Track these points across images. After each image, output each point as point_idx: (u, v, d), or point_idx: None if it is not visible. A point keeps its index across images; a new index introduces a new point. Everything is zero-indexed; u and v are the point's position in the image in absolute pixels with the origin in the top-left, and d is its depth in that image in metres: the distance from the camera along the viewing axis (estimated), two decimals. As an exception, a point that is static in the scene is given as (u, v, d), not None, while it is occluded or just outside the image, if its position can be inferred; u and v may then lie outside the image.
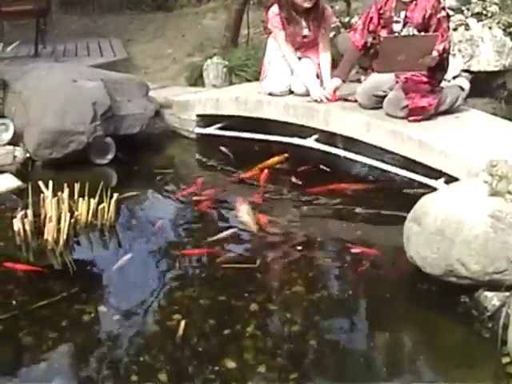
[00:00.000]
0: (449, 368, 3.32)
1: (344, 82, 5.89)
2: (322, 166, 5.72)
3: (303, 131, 5.88)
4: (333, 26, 7.01)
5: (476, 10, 6.90)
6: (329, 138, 5.81)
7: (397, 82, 5.47)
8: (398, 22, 5.44)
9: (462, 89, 5.67)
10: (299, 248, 4.43)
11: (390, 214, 4.84)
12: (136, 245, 4.53)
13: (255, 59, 7.60)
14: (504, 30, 6.74)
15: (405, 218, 4.04)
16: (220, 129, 6.51)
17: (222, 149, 6.20)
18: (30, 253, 4.38)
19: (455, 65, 6.49)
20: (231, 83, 7.56)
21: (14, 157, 5.76)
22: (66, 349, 3.40)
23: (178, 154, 6.60)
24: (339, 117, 5.62)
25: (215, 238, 4.50)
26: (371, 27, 5.57)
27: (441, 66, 5.39)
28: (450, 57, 5.68)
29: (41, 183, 4.72)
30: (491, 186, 3.71)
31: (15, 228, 4.48)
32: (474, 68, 6.71)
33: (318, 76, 6.14)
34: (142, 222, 4.95)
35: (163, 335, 3.51)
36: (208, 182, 5.50)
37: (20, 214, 4.50)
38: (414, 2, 5.31)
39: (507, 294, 3.54)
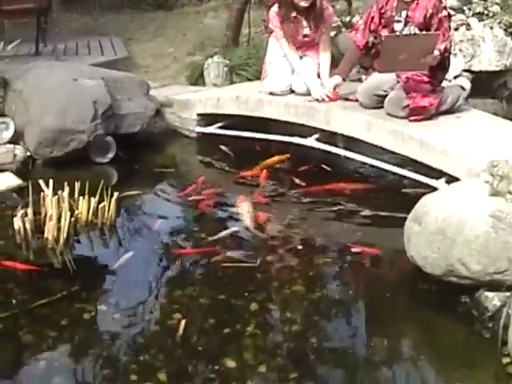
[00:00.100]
0: (449, 368, 3.32)
1: (344, 80, 5.89)
2: (323, 166, 5.72)
3: (304, 130, 5.87)
4: (334, 25, 7.01)
5: (477, 10, 6.89)
6: (330, 137, 5.80)
7: (398, 82, 5.47)
8: (399, 21, 5.43)
9: (463, 88, 5.68)
10: (299, 247, 4.43)
11: (391, 213, 4.84)
12: (136, 244, 4.53)
13: (256, 58, 7.60)
14: (505, 29, 6.73)
15: (405, 217, 4.05)
16: (221, 128, 6.51)
17: (223, 148, 6.20)
18: (30, 251, 4.38)
19: (456, 64, 6.48)
20: (232, 82, 7.57)
21: (15, 155, 5.76)
22: (65, 347, 3.40)
23: (178, 153, 6.60)
24: (340, 116, 5.62)
25: (215, 237, 4.50)
26: (372, 27, 5.56)
27: (442, 65, 5.39)
28: (451, 56, 5.68)
29: (41, 182, 4.72)
30: (492, 186, 3.71)
31: (15, 226, 4.47)
32: (475, 68, 6.70)
33: (318, 75, 6.15)
34: (143, 220, 4.94)
35: (163, 334, 3.51)
36: (208, 181, 5.49)
37: (20, 212, 4.50)
38: (416, 2, 5.31)
39: (508, 294, 3.54)
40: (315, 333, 3.53)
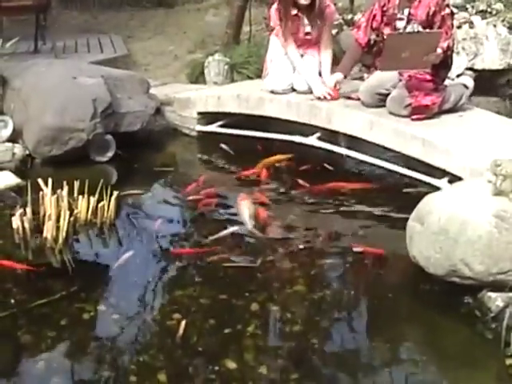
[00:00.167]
0: (451, 369, 3.32)
1: (345, 77, 5.89)
2: (325, 165, 5.71)
3: (305, 129, 5.87)
4: (336, 23, 7.02)
5: (480, 8, 6.90)
6: (331, 136, 5.80)
7: (400, 80, 5.47)
8: (401, 19, 5.43)
9: (466, 87, 5.67)
10: (301, 247, 4.43)
11: (392, 213, 4.85)
12: (136, 243, 4.53)
13: (257, 56, 7.60)
14: (509, 27, 6.74)
15: (407, 217, 4.05)
16: (221, 126, 6.51)
17: (223, 147, 6.19)
18: (28, 251, 4.38)
19: (459, 63, 6.49)
20: (233, 80, 7.57)
21: (13, 154, 5.76)
22: (64, 348, 3.40)
23: (178, 151, 6.60)
24: (342, 115, 5.62)
25: (216, 236, 4.50)
26: (374, 24, 5.56)
27: (445, 63, 5.38)
28: (454, 55, 5.68)
29: (40, 181, 4.72)
30: (495, 185, 3.71)
31: (14, 226, 4.48)
32: (478, 66, 6.71)
33: (320, 73, 6.14)
34: (142, 220, 4.93)
35: (163, 334, 3.50)
36: (209, 180, 5.49)
37: (19, 211, 4.50)
38: (418, -1, 5.32)
39: (511, 294, 3.54)
40: (316, 333, 3.53)
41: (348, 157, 5.66)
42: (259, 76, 6.86)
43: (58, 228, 4.41)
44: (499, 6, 6.89)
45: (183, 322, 3.50)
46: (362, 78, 6.26)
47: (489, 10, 6.87)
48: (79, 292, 3.85)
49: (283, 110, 6.01)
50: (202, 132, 6.62)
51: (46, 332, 3.48)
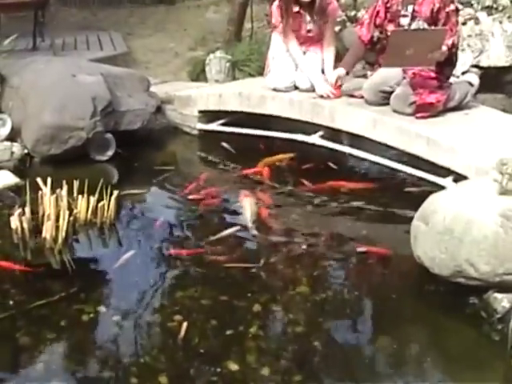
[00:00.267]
0: (457, 371, 3.32)
1: (348, 73, 5.89)
2: (329, 164, 5.71)
3: (308, 128, 5.87)
4: (339, 19, 7.02)
5: (486, 4, 6.89)
6: (334, 134, 5.80)
7: (404, 78, 5.47)
8: (405, 15, 5.43)
9: (472, 85, 5.67)
10: (303, 247, 4.43)
11: (396, 212, 4.85)
12: (136, 243, 4.51)
13: (259, 54, 7.60)
14: (515, 24, 6.74)
15: (411, 217, 4.05)
16: (222, 125, 6.51)
17: (225, 145, 6.20)
18: (27, 251, 4.37)
19: (464, 60, 6.48)
20: (234, 78, 7.57)
21: (12, 153, 5.76)
22: (64, 350, 3.41)
23: (179, 150, 6.60)
24: (345, 113, 5.62)
25: (217, 236, 4.51)
26: (378, 21, 5.56)
27: (449, 61, 5.38)
28: (459, 52, 5.68)
29: (39, 180, 4.72)
30: (501, 184, 3.71)
31: (13, 226, 4.47)
32: (484, 63, 6.71)
33: (323, 71, 6.14)
34: (143, 219, 4.93)
35: (164, 336, 3.51)
36: (210, 179, 5.50)
37: (18, 211, 4.50)
38: (422, -5, 5.32)
39: (517, 295, 3.55)
40: (319, 335, 3.52)
41: (351, 155, 5.66)
42: (261, 74, 6.86)
43: (57, 228, 4.40)
44: (505, 1, 6.88)
45: (184, 324, 3.50)
46: (365, 76, 6.26)
47: (494, 6, 6.87)
48: (79, 293, 3.84)
49: (285, 108, 6.01)
50: (202, 130, 6.62)
51: (45, 334, 3.47)
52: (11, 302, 3.75)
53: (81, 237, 4.61)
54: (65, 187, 4.59)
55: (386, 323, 3.70)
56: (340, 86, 5.87)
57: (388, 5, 5.48)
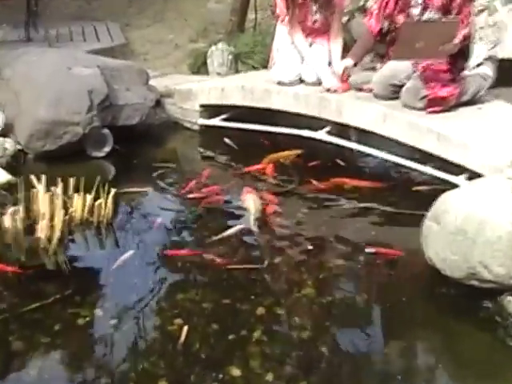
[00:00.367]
0: (470, 377, 3.33)
1: (356, 65, 5.88)
2: (336, 161, 5.71)
3: (314, 123, 5.87)
4: (346, 10, 7.01)
5: (501, -7, 6.87)
6: (341, 130, 5.80)
7: (414, 72, 5.45)
8: (416, 5, 5.43)
9: (486, 78, 5.65)
10: (310, 247, 4.44)
11: (407, 212, 4.84)
12: (135, 244, 4.52)
13: (263, 45, 7.60)
14: (531, 14, 6.72)
15: (422, 216, 4.04)
16: (225, 120, 6.51)
17: (227, 141, 6.20)
18: (21, 252, 4.37)
19: (478, 52, 6.46)
20: (237, 71, 7.57)
21: (5, 149, 5.75)
22: (58, 355, 3.41)
23: (179, 146, 6.60)
24: (353, 107, 5.61)
25: (220, 236, 4.51)
26: (387, 12, 5.56)
27: (462, 53, 5.38)
28: (473, 44, 5.66)
29: (33, 177, 4.72)
30: (516, 182, 3.71)
31: (5, 225, 4.47)
32: (499, 55, 6.68)
33: (330, 64, 6.14)
34: (142, 219, 4.94)
35: (164, 341, 3.51)
36: (212, 176, 5.50)
37: (10, 210, 4.49)
38: (434, -15, 5.31)
39: (533, 298, 3.55)
40: (326, 340, 3.53)
41: (359, 152, 5.66)
42: (265, 66, 6.86)
43: (51, 228, 4.40)
44: (521, -9, 6.87)
45: (185, 328, 3.50)
46: (374, 69, 6.24)
47: (509, -5, 6.85)
48: (74, 295, 3.85)
49: (290, 102, 6.01)
50: (204, 126, 6.62)
51: (38, 338, 3.48)
52: (3, 305, 3.77)
53: (77, 237, 4.61)
54: (60, 185, 4.58)
55: (396, 328, 3.70)
56: (347, 78, 5.87)
57: (398, -6, 5.49)
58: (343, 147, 5.71)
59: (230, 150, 6.11)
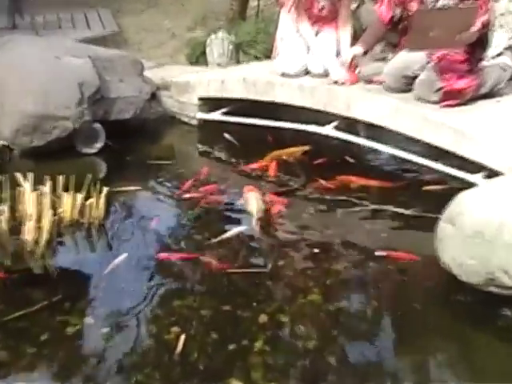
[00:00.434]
0: (488, 390, 3.32)
1: (365, 53, 5.88)
2: (346, 158, 5.72)
3: (321, 117, 5.87)
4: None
5: (521, -23, 6.87)
6: (350, 125, 5.80)
7: (428, 62, 5.44)
8: (431, -9, 5.43)
9: (505, 69, 5.65)
10: (316, 251, 4.44)
11: (420, 213, 4.85)
12: (129, 246, 4.52)
13: (266, 34, 7.60)
14: (554, 0, 6.70)
15: (436, 218, 4.04)
16: (225, 114, 6.52)
17: (227, 137, 6.21)
18: (6, 255, 4.37)
19: (498, 41, 6.46)
20: (238, 62, 7.58)
21: (-12, 145, 5.79)
22: (45, 366, 3.40)
23: (176, 142, 6.61)
24: (363, 101, 5.61)
25: (219, 238, 4.51)
26: (399, -2, 5.57)
27: (480, 42, 5.37)
28: (492, 32, 5.65)
29: (19, 175, 4.73)
30: (538, 181, 3.71)
31: (-11, 227, 4.49)
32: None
33: (338, 54, 6.13)
34: (136, 220, 4.94)
35: (159, 351, 3.50)
36: (211, 174, 5.51)
37: (-5, 210, 4.51)
38: (450, -32, 5.31)
39: (556, 306, 3.55)
40: (334, 350, 3.52)
41: (369, 148, 5.67)
42: (268, 57, 6.87)
43: (39, 229, 4.41)
44: (543, -25, 6.86)
45: (182, 337, 3.50)
46: (385, 59, 6.24)
47: (531, -21, 6.84)
48: (63, 302, 3.85)
49: (295, 95, 6.01)
50: (202, 120, 6.63)
51: (24, 348, 3.47)
52: (-13, 313, 3.77)
53: (66, 239, 4.61)
54: (48, 183, 4.60)
55: (408, 337, 3.70)
56: (356, 68, 5.86)
57: (411, -21, 5.49)
58: (352, 143, 5.71)
59: (231, 146, 6.12)
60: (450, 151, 5.02)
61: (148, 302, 3.86)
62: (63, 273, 4.19)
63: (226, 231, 4.59)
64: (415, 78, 5.46)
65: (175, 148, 6.51)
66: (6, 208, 4.49)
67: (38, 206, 4.48)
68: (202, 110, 6.65)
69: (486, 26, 5.31)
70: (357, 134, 5.76)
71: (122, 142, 6.01)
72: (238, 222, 4.76)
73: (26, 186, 4.59)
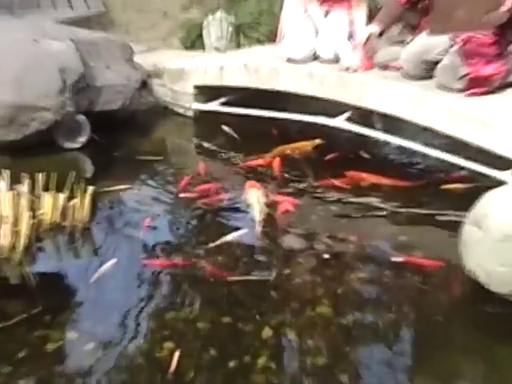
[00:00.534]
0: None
1: (381, 34, 5.88)
2: (360, 153, 5.72)
3: (331, 108, 5.88)
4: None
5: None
6: (364, 116, 5.81)
7: (452, 46, 5.44)
8: (454, -33, 5.43)
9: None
10: (325, 256, 4.44)
11: (441, 214, 4.85)
12: (116, 252, 4.52)
13: (270, 15, 7.61)
14: None
15: (460, 220, 4.04)
16: (224, 104, 6.53)
17: (226, 129, 6.22)
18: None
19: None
20: (239, 46, 7.59)
21: (-40, 139, 5.79)
22: (24, 386, 3.42)
23: (169, 136, 6.63)
24: (378, 89, 5.62)
25: (218, 242, 4.52)
26: (419, -26, 5.58)
27: (510, 23, 5.36)
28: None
29: (-6, 173, 4.75)
30: None
31: (-40, 230, 4.50)
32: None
33: (350, 37, 6.13)
34: (125, 223, 4.95)
35: (151, 369, 3.50)
36: (208, 171, 5.51)
37: (-34, 212, 4.52)
38: None
39: None
40: (345, 367, 3.52)
41: (385, 142, 5.68)
42: (272, 40, 6.86)
43: (16, 233, 4.42)
44: None
45: (176, 353, 3.51)
46: (403, 42, 6.24)
47: None
48: (43, 315, 3.84)
49: (303, 83, 6.02)
50: (199, 111, 6.65)
51: (-1, 366, 3.49)
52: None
53: (46, 244, 4.62)
54: (26, 182, 4.60)
55: (429, 353, 3.69)
56: (371, 52, 5.87)
57: (432, -47, 5.49)
58: (366, 136, 5.71)
59: (230, 140, 6.13)
60: (475, 146, 5.02)
61: (138, 314, 3.86)
62: (43, 282, 4.20)
63: (225, 234, 4.60)
64: (437, 63, 5.46)
65: (168, 142, 6.53)
66: (-22, 210, 4.51)
67: (15, 207, 4.49)
68: (198, 99, 6.67)
69: (518, 6, 5.32)
70: (371, 127, 5.76)
71: (109, 136, 6.02)
72: (238, 224, 4.76)
73: (2, 184, 4.59)
